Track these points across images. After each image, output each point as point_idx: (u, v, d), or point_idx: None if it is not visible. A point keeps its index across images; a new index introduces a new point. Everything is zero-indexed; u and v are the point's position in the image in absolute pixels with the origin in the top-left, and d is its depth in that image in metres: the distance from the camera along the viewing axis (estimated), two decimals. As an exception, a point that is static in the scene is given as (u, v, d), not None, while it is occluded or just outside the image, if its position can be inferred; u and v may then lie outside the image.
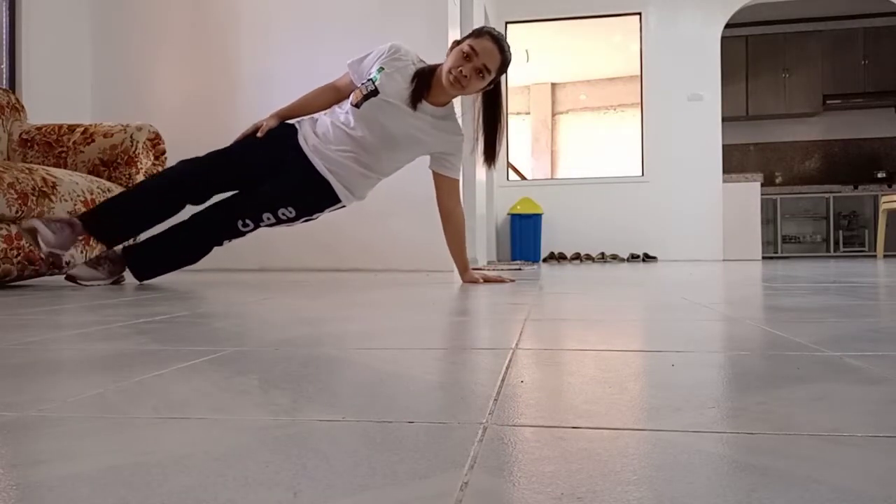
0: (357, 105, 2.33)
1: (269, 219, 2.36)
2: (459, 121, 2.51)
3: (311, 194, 2.39)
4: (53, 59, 3.94)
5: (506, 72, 2.41)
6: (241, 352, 0.95)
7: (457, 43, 2.35)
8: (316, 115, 2.47)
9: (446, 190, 2.50)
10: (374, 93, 2.32)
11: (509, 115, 6.64)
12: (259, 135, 2.36)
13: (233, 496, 0.40)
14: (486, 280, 2.58)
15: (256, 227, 2.38)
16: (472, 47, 2.27)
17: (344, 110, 2.38)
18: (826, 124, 8.06)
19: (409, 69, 2.36)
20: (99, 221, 2.31)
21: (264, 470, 0.44)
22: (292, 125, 2.44)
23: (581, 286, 2.47)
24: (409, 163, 2.54)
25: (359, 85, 2.38)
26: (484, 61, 2.27)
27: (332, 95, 2.46)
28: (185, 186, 2.33)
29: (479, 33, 2.34)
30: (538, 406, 0.63)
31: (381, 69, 2.35)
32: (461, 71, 2.26)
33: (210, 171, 2.34)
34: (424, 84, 2.34)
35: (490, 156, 2.46)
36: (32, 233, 2.12)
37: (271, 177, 2.35)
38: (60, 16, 4.00)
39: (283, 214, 2.36)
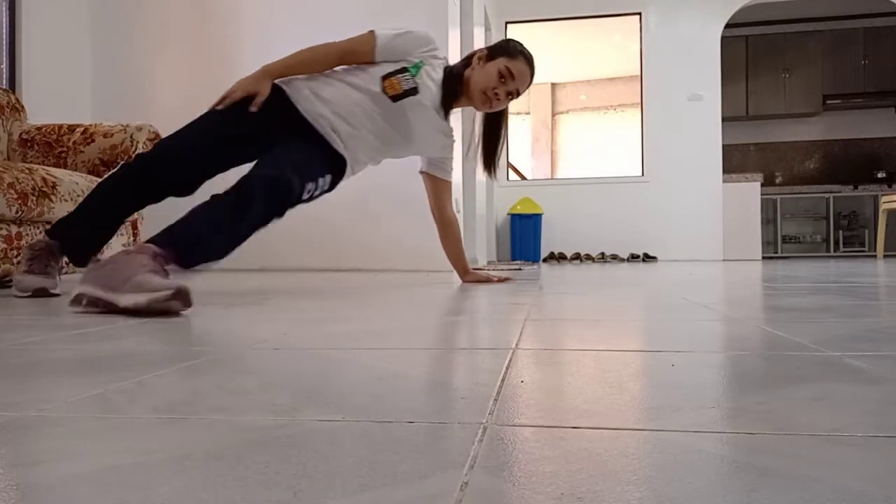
0: (395, 99, 2.08)
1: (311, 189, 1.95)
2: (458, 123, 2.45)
3: (334, 170, 2.09)
4: (53, 59, 3.94)
5: None
6: (240, 352, 0.95)
7: (489, 57, 2.22)
8: (322, 80, 2.10)
9: (442, 193, 2.46)
10: (414, 91, 2.10)
11: (510, 115, 6.62)
12: (253, 108, 1.97)
13: (233, 496, 0.40)
14: (498, 280, 2.60)
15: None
16: (509, 70, 2.18)
17: (369, 95, 2.07)
18: (826, 124, 8.06)
19: (439, 70, 2.20)
20: (72, 242, 2.00)
21: (264, 470, 0.44)
22: (280, 90, 2.05)
23: (581, 286, 2.47)
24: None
25: (380, 62, 2.10)
26: (518, 85, 2.22)
27: (339, 59, 2.11)
28: (166, 186, 1.99)
29: (512, 52, 2.23)
30: (538, 406, 0.63)
31: (420, 64, 2.13)
32: (497, 93, 2.20)
33: (197, 168, 1.99)
34: (454, 92, 2.21)
35: (490, 165, 2.41)
36: (43, 292, 1.90)
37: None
38: (60, 16, 4.00)
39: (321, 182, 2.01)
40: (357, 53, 2.11)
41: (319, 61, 2.10)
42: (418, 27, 2.22)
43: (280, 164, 1.84)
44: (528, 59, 2.26)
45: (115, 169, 2.06)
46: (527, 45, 2.32)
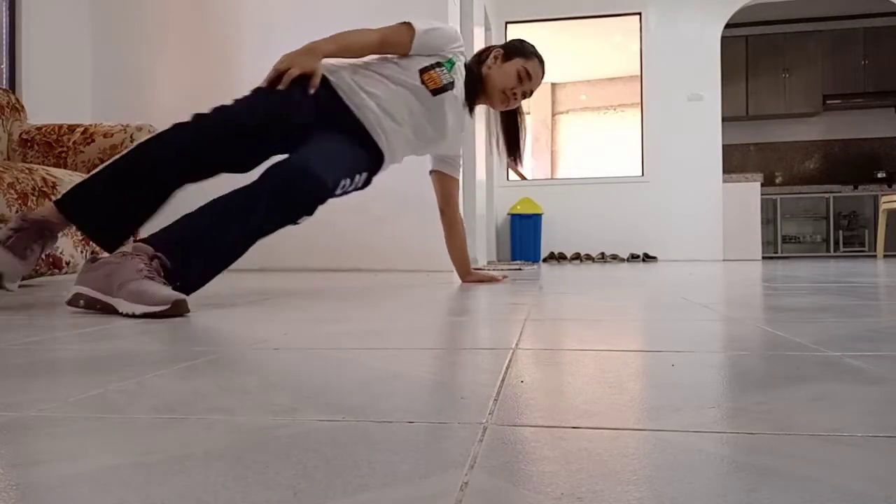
0: (434, 92, 2.03)
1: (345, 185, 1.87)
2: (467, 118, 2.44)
3: (371, 167, 2.03)
4: (53, 59, 3.94)
5: None
6: (240, 352, 0.95)
7: (505, 56, 2.25)
8: (363, 73, 1.99)
9: (453, 191, 2.46)
10: (451, 85, 2.07)
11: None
12: (311, 90, 1.83)
13: (233, 496, 0.40)
14: (501, 278, 2.67)
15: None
16: (526, 70, 2.23)
17: (409, 89, 2.01)
18: (826, 124, 8.06)
19: (463, 68, 2.18)
20: (101, 222, 1.72)
21: (264, 470, 0.44)
22: (325, 79, 1.92)
23: (581, 286, 2.47)
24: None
25: (412, 55, 2.04)
26: (532, 86, 2.27)
27: (378, 47, 2.02)
28: (222, 157, 1.80)
29: (527, 53, 2.27)
30: (538, 406, 0.63)
31: (453, 60, 2.11)
32: (515, 93, 2.24)
33: (253, 144, 1.83)
34: (477, 90, 2.24)
35: (515, 155, 2.43)
36: None
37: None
38: (60, 16, 4.00)
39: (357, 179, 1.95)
40: (393, 44, 2.04)
41: (361, 47, 2.00)
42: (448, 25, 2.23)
43: (310, 157, 1.70)
44: (541, 60, 2.31)
45: (162, 130, 1.76)
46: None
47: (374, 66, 2.03)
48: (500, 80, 2.23)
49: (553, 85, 9.03)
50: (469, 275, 2.54)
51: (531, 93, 2.30)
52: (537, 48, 2.33)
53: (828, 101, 7.73)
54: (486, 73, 2.25)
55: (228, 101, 1.84)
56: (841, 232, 7.58)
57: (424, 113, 2.06)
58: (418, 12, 3.86)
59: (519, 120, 2.40)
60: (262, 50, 4.15)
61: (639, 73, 6.48)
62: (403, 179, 3.38)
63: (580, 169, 8.52)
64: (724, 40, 6.46)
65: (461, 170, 2.50)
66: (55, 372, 0.82)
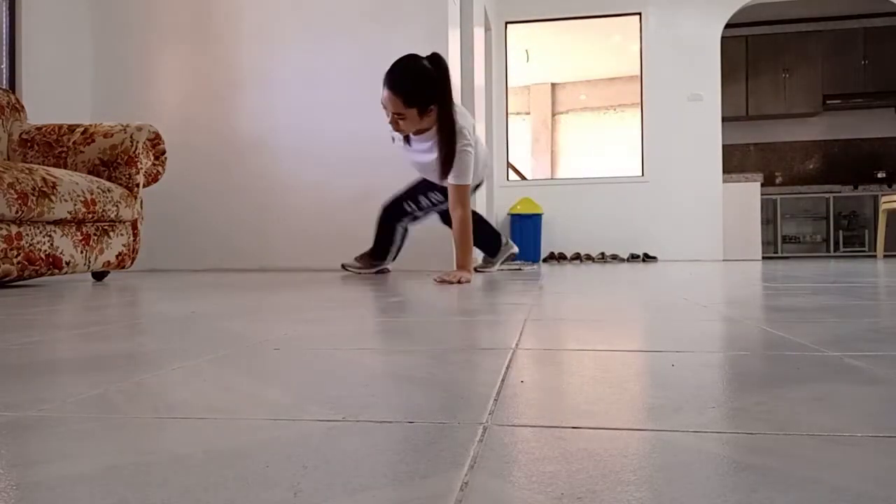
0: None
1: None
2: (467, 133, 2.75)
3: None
4: (53, 59, 3.94)
5: (416, 98, 2.59)
6: (241, 352, 0.95)
7: None
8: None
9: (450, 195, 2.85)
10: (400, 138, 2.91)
11: (510, 115, 6.65)
12: None
13: (233, 496, 0.40)
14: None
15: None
16: (382, 101, 2.64)
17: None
18: (826, 124, 8.06)
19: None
20: None
21: (264, 470, 0.44)
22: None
23: (581, 286, 2.47)
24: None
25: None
26: (393, 110, 2.61)
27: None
28: None
29: (383, 82, 2.60)
30: (538, 406, 0.63)
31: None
32: (390, 122, 2.70)
33: None
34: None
35: (445, 171, 2.71)
36: None
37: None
38: (60, 16, 4.00)
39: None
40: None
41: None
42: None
43: None
44: (390, 83, 2.59)
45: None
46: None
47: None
48: None
49: (553, 85, 9.04)
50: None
51: (400, 114, 2.60)
52: (394, 64, 2.60)
53: (828, 101, 7.73)
54: None
55: None
56: (841, 232, 7.58)
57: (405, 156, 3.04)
58: (418, 13, 3.87)
59: (449, 144, 2.67)
60: (261, 50, 4.15)
61: (639, 74, 6.48)
62: (402, 179, 3.38)
63: (580, 169, 8.53)
64: (724, 40, 6.45)
65: (450, 177, 2.76)
66: (55, 372, 0.82)
